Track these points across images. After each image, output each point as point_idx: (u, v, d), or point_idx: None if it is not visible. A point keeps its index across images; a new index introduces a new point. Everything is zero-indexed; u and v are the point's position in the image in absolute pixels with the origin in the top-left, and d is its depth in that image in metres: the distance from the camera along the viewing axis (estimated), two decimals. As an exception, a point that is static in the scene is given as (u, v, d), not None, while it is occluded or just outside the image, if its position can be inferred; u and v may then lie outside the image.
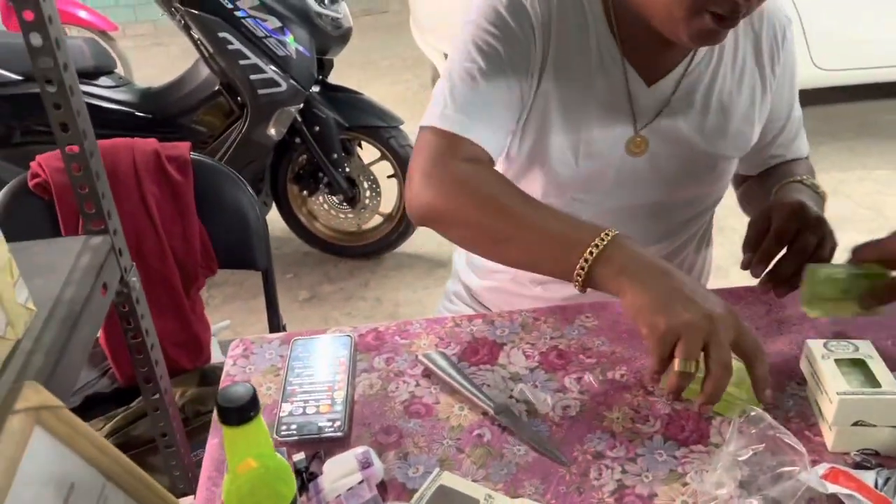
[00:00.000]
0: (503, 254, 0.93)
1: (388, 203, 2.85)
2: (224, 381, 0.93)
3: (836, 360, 0.81)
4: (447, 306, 1.33)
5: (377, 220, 2.90)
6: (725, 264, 2.44)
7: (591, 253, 0.81)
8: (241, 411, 0.58)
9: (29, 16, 0.77)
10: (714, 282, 1.24)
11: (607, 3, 1.02)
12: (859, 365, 0.80)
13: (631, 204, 1.11)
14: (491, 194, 0.92)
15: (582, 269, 0.81)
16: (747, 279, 1.01)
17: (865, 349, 0.82)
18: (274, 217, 2.87)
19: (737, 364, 0.76)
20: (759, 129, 1.15)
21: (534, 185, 1.08)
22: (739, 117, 1.10)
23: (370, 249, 2.93)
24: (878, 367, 0.79)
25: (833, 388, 0.77)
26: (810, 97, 3.82)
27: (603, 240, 0.81)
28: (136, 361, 0.84)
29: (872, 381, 0.78)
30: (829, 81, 3.65)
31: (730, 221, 3.04)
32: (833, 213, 1.04)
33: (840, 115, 3.95)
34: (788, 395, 0.86)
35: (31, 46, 0.79)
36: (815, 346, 0.83)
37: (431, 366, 0.91)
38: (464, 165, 0.95)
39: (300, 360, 0.92)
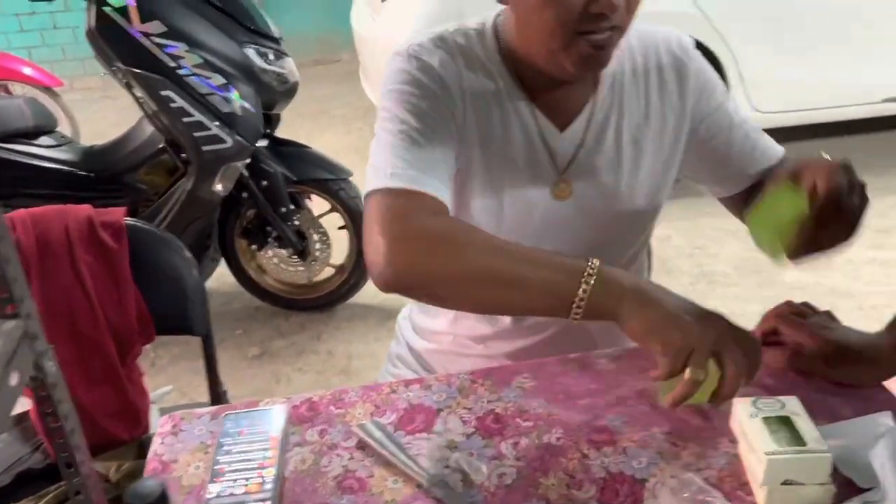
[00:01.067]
0: (489, 302, 0.94)
1: (338, 255, 2.83)
2: (150, 461, 0.90)
3: (764, 419, 0.81)
4: (390, 370, 1.32)
5: (328, 272, 2.87)
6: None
7: (587, 284, 0.85)
8: (150, 509, 0.57)
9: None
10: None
11: (503, 53, 1.04)
12: (786, 423, 0.81)
13: (561, 250, 1.11)
14: (471, 243, 0.91)
15: (581, 300, 0.85)
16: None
17: (791, 406, 0.83)
18: (223, 272, 2.84)
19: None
20: (679, 156, 1.12)
21: None
22: (652, 147, 1.09)
23: (322, 302, 2.90)
24: (803, 424, 0.80)
25: (761, 448, 0.78)
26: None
27: (591, 274, 0.85)
28: (56, 446, 0.81)
29: (798, 439, 0.78)
30: (769, 123, 3.71)
31: (677, 263, 3.09)
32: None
33: (781, 156, 4.06)
34: (721, 453, 0.86)
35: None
36: (744, 404, 0.84)
37: (366, 437, 0.90)
38: (433, 219, 0.93)
39: (230, 437, 0.90)
